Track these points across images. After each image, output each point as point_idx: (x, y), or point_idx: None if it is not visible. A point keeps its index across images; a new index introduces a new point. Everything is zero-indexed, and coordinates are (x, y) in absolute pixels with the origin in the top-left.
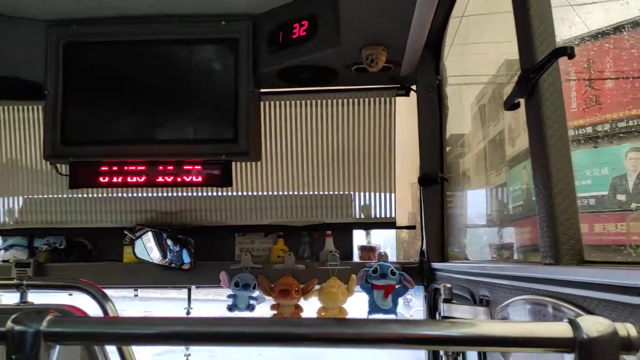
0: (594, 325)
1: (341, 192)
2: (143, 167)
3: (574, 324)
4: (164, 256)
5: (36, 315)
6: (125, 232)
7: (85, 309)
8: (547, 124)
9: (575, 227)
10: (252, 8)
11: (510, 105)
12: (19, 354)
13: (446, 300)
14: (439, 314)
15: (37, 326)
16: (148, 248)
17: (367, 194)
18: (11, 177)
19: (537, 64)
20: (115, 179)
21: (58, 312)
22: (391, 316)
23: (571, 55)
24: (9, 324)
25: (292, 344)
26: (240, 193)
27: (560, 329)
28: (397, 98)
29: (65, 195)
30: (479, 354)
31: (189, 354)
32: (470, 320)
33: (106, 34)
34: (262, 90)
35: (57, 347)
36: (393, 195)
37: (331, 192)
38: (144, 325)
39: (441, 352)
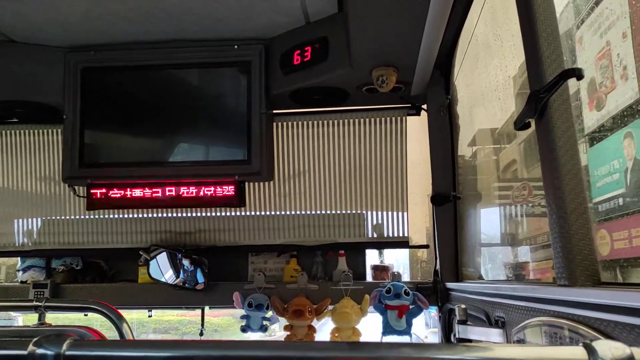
0: (610, 350)
1: (354, 211)
2: (158, 189)
3: (589, 348)
4: (178, 276)
5: (56, 338)
6: (140, 252)
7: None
8: (558, 144)
9: (589, 247)
10: (264, 32)
11: (521, 125)
12: None
13: (461, 322)
14: (454, 335)
15: (58, 350)
16: (162, 268)
17: (379, 213)
18: (30, 199)
19: (546, 85)
20: (131, 200)
21: (76, 335)
22: (405, 338)
23: (579, 77)
24: (31, 347)
25: None
26: (253, 213)
27: (575, 353)
28: (408, 118)
29: (82, 217)
30: None
31: None
32: (484, 344)
33: (122, 59)
34: (274, 111)
35: None
36: (405, 214)
37: (344, 211)
38: (160, 349)
39: None
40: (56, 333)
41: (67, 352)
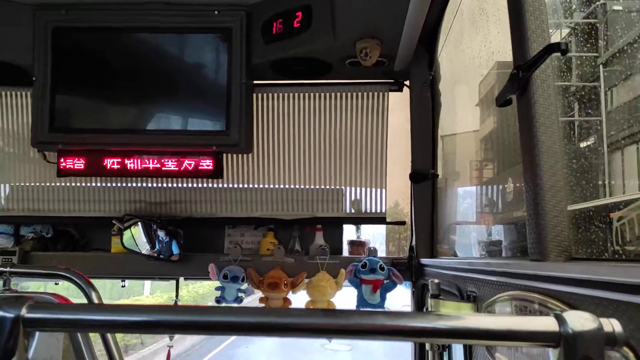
0: (579, 320)
1: (332, 187)
2: (132, 157)
3: (559, 318)
4: (152, 247)
5: (15, 301)
6: (114, 221)
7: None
8: (539, 121)
9: (563, 224)
10: None
11: (502, 101)
12: None
13: (434, 296)
14: (427, 309)
15: (17, 312)
16: (136, 238)
17: (358, 188)
18: None
19: (530, 60)
20: (102, 169)
21: (39, 300)
22: None
23: (564, 52)
24: None
25: (278, 334)
26: (231, 185)
27: (546, 324)
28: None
29: (53, 184)
30: (465, 347)
31: (172, 346)
32: (457, 313)
33: (96, 19)
34: (255, 82)
35: (37, 333)
36: (384, 190)
37: (322, 186)
38: (128, 313)
39: (427, 345)
40: (16, 296)
41: (27, 315)
